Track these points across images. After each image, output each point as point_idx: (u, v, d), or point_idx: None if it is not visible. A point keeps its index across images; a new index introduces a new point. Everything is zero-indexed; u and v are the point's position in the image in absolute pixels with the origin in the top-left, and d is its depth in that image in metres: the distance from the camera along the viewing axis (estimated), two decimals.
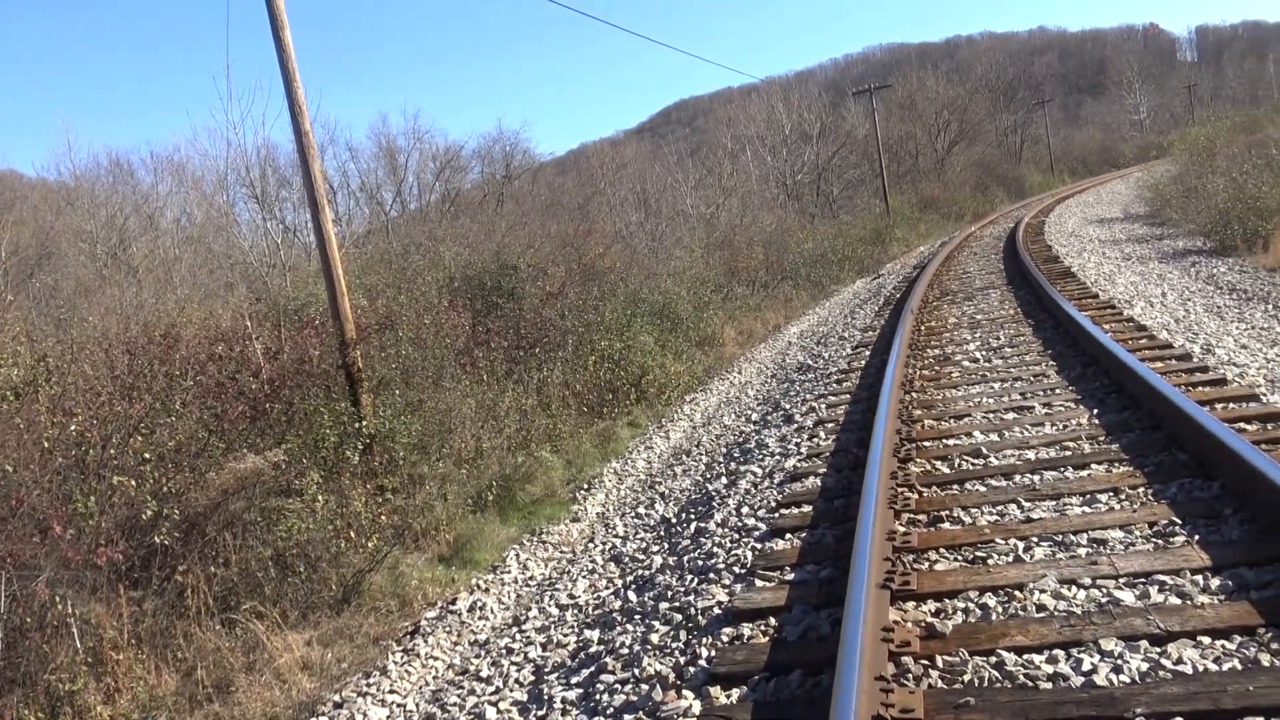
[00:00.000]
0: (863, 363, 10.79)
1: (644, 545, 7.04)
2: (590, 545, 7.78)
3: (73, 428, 7.33)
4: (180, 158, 30.68)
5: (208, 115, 75.23)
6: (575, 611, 6.10)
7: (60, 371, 8.84)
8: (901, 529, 5.07)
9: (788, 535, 5.60)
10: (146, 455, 7.30)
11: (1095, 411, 6.84)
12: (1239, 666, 3.34)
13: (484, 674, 5.51)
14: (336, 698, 5.73)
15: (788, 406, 9.74)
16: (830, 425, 8.12)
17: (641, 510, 8.20)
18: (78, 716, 5.70)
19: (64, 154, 60.45)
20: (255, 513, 7.80)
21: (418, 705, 5.49)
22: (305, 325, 11.16)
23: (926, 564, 4.69)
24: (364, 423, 8.97)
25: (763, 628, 4.39)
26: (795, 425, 8.63)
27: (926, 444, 6.78)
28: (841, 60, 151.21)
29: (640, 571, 6.29)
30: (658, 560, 6.33)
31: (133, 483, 6.98)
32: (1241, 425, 5.82)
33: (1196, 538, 4.42)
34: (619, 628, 5.21)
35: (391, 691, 5.72)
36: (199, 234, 25.57)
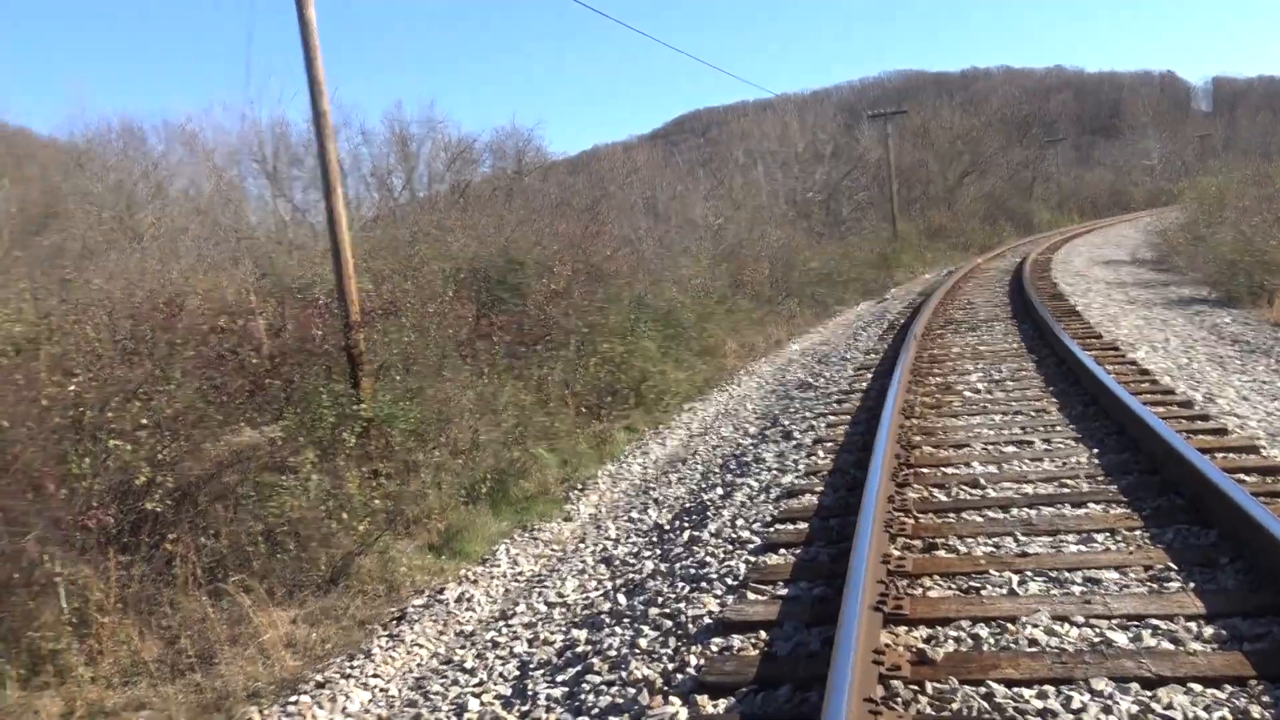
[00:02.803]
0: (864, 385, 10.81)
1: (636, 549, 7.04)
2: (581, 545, 7.78)
3: (71, 388, 7.31)
4: (193, 128, 30.63)
5: (224, 89, 75.23)
6: (563, 610, 6.09)
7: (62, 331, 8.82)
8: (896, 553, 5.08)
9: (782, 550, 5.61)
10: (143, 421, 7.28)
11: (1095, 451, 6.85)
12: (1229, 717, 3.35)
13: (468, 665, 5.51)
14: (319, 677, 5.73)
15: (787, 423, 9.75)
16: (829, 445, 8.13)
17: (635, 515, 8.20)
18: (59, 676, 5.68)
19: (76, 116, 60.36)
20: (248, 487, 7.78)
21: (400, 691, 5.49)
22: (309, 304, 11.14)
23: (920, 590, 4.71)
24: (363, 405, 8.96)
25: (753, 640, 4.39)
26: (794, 442, 8.64)
27: (925, 470, 6.80)
28: (858, 83, 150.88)
29: (631, 575, 6.29)
30: (649, 565, 6.33)
31: (128, 447, 6.97)
32: (1241, 476, 5.83)
33: (1192, 584, 4.43)
34: (607, 629, 5.21)
35: (375, 675, 5.72)
36: (207, 206, 25.50)
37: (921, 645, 4.07)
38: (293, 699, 5.44)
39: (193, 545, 6.84)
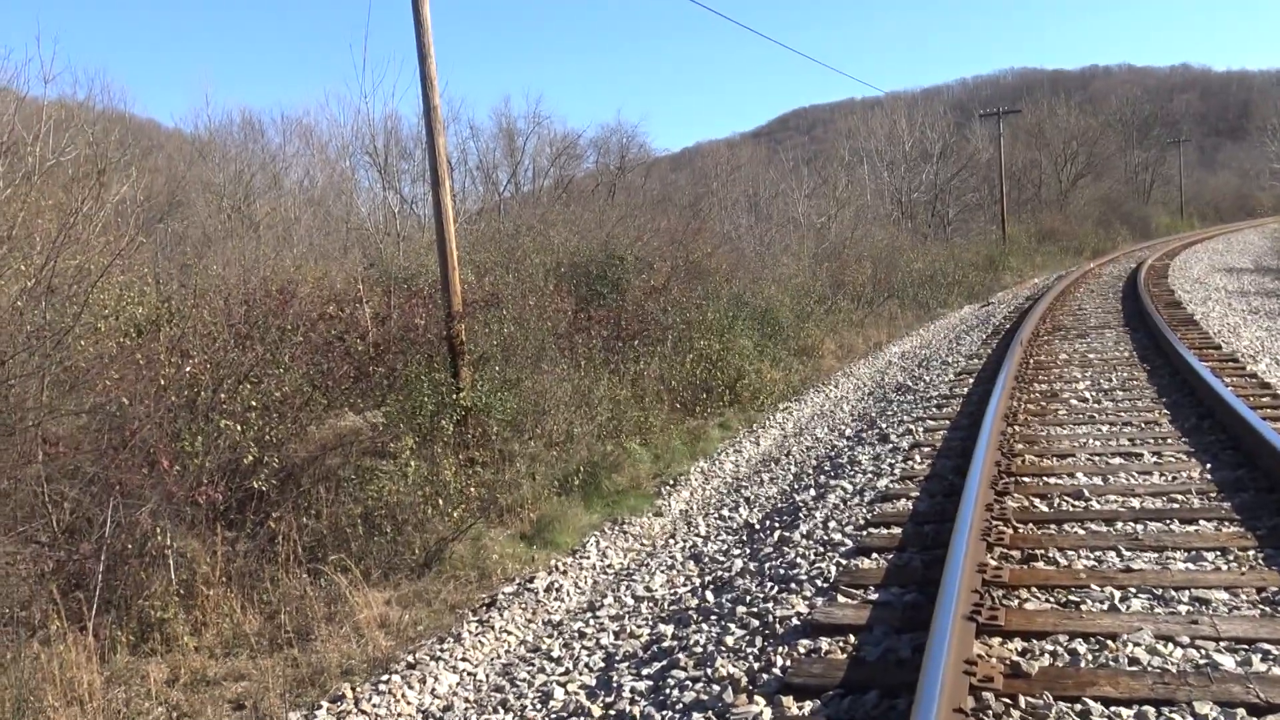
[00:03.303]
0: (965, 390, 10.57)
1: (725, 547, 7.01)
2: (671, 541, 7.79)
3: (188, 369, 7.62)
4: (309, 121, 31.64)
5: (340, 83, 77.41)
6: (651, 604, 6.11)
7: (181, 315, 9.21)
8: (993, 562, 4.96)
9: (874, 555, 5.52)
10: (253, 403, 7.55)
11: (1208, 466, 6.57)
12: None
13: (555, 654, 5.57)
14: (410, 658, 5.85)
15: (884, 426, 9.60)
16: (927, 449, 7.97)
17: (725, 512, 8.17)
18: (165, 644, 5.94)
19: (201, 108, 62.95)
20: (350, 470, 8.00)
21: (488, 676, 5.57)
22: (414, 295, 11.40)
23: (1016, 601, 4.58)
24: (462, 395, 9.12)
25: (841, 644, 4.33)
26: (890, 445, 8.50)
27: (1026, 479, 6.61)
28: (970, 80, 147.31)
29: (719, 573, 6.27)
30: (738, 564, 6.30)
31: (238, 428, 7.24)
32: None
33: None
34: (694, 626, 5.20)
35: (464, 659, 5.82)
36: (320, 196, 26.30)
37: (1016, 658, 3.95)
38: (384, 678, 5.57)
39: (295, 524, 7.07)
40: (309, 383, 8.49)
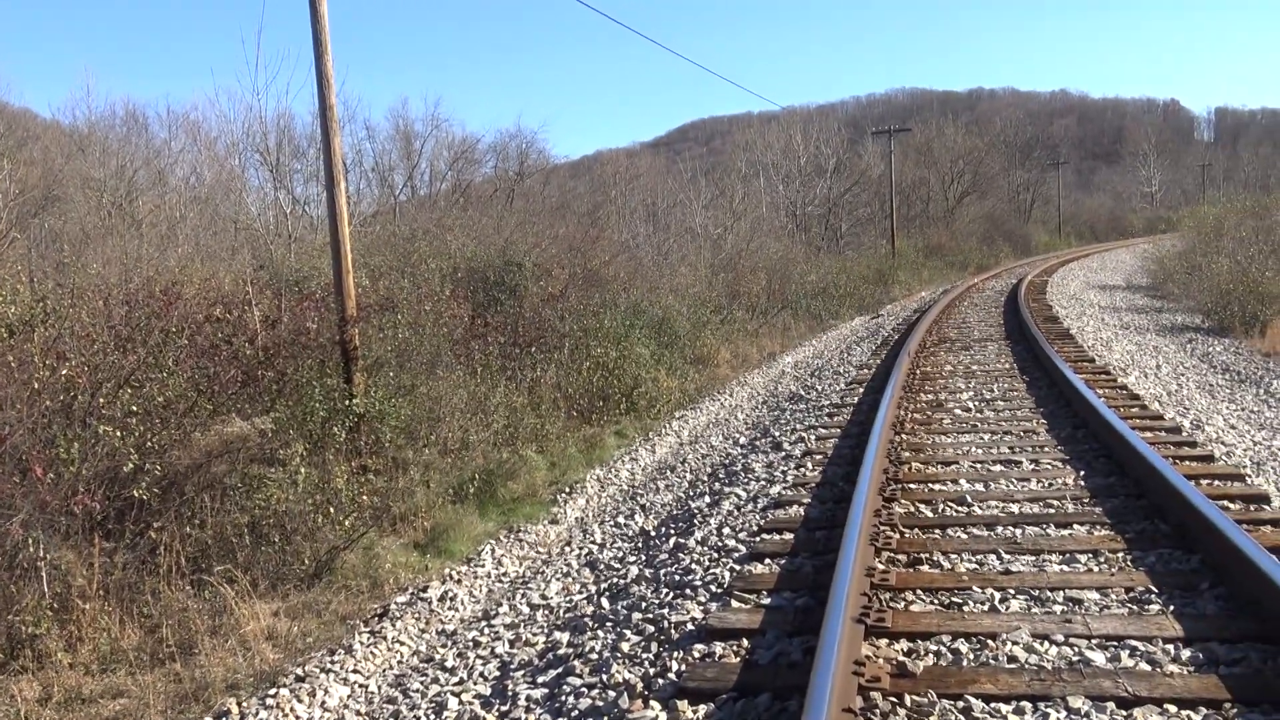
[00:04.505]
0: (855, 399, 10.83)
1: (621, 554, 7.04)
2: (567, 549, 7.78)
3: (64, 372, 7.30)
4: (197, 116, 30.61)
5: (231, 79, 75.01)
6: (546, 612, 6.09)
7: (58, 315, 8.81)
8: (881, 567, 5.10)
9: (767, 560, 5.62)
10: (134, 408, 7.27)
11: (1082, 473, 6.88)
12: None
13: (449, 664, 5.50)
14: (299, 671, 5.70)
15: (777, 434, 9.77)
16: (818, 457, 8.15)
17: (621, 520, 8.20)
18: (37, 660, 5.67)
19: (81, 99, 60.13)
20: (236, 478, 7.78)
21: (379, 688, 5.48)
22: (306, 298, 11.14)
23: (903, 603, 4.72)
24: (355, 401, 8.95)
25: (735, 648, 4.40)
26: (783, 453, 8.66)
27: (912, 486, 6.82)
28: (864, 99, 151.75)
29: (615, 580, 6.30)
30: (634, 571, 6.33)
31: (118, 434, 6.96)
32: (1225, 504, 5.86)
33: (1171, 608, 4.45)
34: (589, 633, 5.21)
35: (355, 671, 5.70)
36: (207, 195, 25.48)
37: (902, 658, 4.08)
38: (271, 692, 5.42)
39: (178, 534, 6.84)
40: (194, 387, 8.21)
